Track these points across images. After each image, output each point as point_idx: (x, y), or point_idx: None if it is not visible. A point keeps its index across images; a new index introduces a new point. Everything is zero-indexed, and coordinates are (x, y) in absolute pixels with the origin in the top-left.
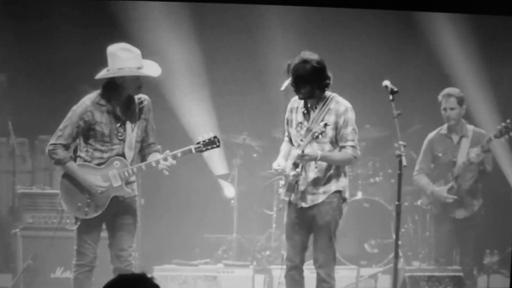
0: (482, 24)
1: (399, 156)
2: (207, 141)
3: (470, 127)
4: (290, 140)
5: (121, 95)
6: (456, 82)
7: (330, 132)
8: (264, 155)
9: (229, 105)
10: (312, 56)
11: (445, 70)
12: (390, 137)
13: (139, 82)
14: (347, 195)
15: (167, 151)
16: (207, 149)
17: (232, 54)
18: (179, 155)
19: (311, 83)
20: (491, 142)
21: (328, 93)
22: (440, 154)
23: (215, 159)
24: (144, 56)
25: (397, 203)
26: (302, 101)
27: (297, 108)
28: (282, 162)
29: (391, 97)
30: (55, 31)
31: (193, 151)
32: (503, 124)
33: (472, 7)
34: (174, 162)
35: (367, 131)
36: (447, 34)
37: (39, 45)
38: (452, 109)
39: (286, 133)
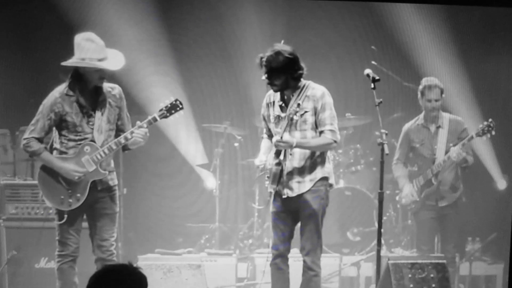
0: (461, 17)
1: (381, 144)
2: (169, 105)
3: (446, 115)
4: (269, 136)
5: (87, 85)
6: (436, 75)
7: (310, 118)
8: (245, 144)
9: (208, 94)
10: (284, 47)
11: (424, 60)
12: (371, 125)
13: (101, 74)
14: (332, 181)
15: (138, 122)
16: (171, 114)
17: (206, 45)
18: (144, 125)
19: (285, 74)
20: (473, 140)
21: (303, 81)
22: (417, 145)
23: (194, 149)
24: (115, 47)
25: (379, 191)
26: (278, 95)
27: (274, 102)
28: (263, 157)
29: (372, 85)
30: (34, 22)
31: (158, 118)
32: (485, 123)
33: None
34: (146, 130)
35: (348, 120)
36: (426, 26)
37: (20, 36)
38: (437, 100)
39: (265, 130)
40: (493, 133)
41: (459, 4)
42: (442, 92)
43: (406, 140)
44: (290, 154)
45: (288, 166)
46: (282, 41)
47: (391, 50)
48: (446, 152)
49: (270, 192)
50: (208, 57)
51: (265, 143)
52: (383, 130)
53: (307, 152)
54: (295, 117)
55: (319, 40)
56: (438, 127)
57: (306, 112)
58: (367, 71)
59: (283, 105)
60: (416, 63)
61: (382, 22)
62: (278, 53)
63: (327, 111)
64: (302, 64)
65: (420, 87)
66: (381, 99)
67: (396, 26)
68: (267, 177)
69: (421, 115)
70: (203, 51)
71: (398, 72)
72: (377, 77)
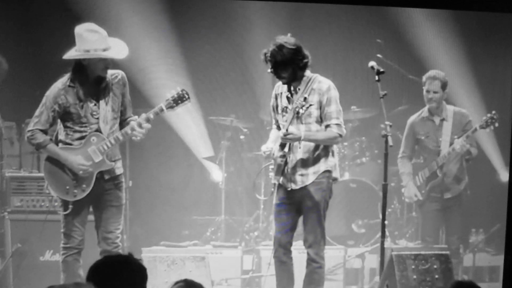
0: (469, 19)
1: (385, 136)
2: (176, 96)
3: (450, 108)
4: (278, 127)
5: (90, 76)
6: (441, 68)
7: (315, 111)
8: (251, 136)
9: (214, 87)
10: (286, 39)
11: (430, 54)
12: (376, 118)
13: (106, 63)
14: (337, 174)
15: (142, 114)
16: (178, 105)
17: (213, 37)
18: (151, 116)
19: (291, 65)
20: (476, 132)
21: (309, 74)
22: (422, 137)
23: (201, 141)
24: (121, 36)
25: (383, 183)
26: (286, 86)
27: (281, 93)
28: (271, 145)
29: (377, 77)
30: (39, 14)
31: (164, 108)
32: (489, 115)
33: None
34: (149, 126)
35: (353, 112)
36: (433, 27)
37: (24, 28)
38: (435, 92)
39: (274, 121)
40: (497, 125)
41: (462, 9)
42: (444, 85)
43: (411, 132)
44: (299, 148)
45: (292, 158)
46: (289, 34)
47: (397, 43)
48: (451, 144)
49: (274, 184)
50: (215, 49)
51: (273, 132)
52: (387, 122)
53: (311, 145)
54: (301, 111)
55: (325, 33)
56: (442, 120)
57: (311, 105)
58: (372, 63)
59: (289, 96)
60: (421, 56)
61: (388, 16)
62: (281, 46)
63: (333, 105)
64: (306, 52)
65: (423, 78)
66: (385, 92)
67: (402, 20)
68: (271, 168)
69: (426, 108)
70: (209, 43)
71: (403, 65)
72: (381, 69)
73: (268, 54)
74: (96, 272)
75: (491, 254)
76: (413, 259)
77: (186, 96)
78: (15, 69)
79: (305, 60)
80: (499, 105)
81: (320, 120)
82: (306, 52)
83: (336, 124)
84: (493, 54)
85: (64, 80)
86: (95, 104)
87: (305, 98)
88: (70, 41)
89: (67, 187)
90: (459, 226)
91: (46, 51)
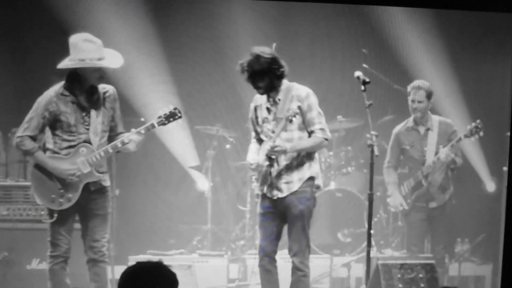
0: (452, 22)
1: (371, 146)
2: (168, 113)
3: (436, 118)
4: (258, 140)
5: (83, 85)
6: (426, 78)
7: (295, 119)
8: (237, 146)
9: (200, 97)
10: (262, 49)
11: (415, 64)
12: (362, 128)
13: (101, 73)
14: (319, 182)
15: (133, 129)
16: (169, 122)
17: (199, 47)
18: (142, 131)
19: (268, 74)
20: (461, 141)
21: (287, 83)
22: (407, 147)
23: (186, 151)
24: (108, 47)
25: (369, 192)
26: (265, 98)
27: (261, 105)
28: (255, 157)
29: (363, 87)
30: (25, 23)
31: (156, 125)
32: (473, 124)
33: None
34: (140, 137)
35: (339, 122)
36: (417, 30)
37: (11, 38)
38: (420, 102)
39: (253, 134)
40: (481, 134)
41: (450, 8)
42: (429, 95)
43: (396, 142)
44: (284, 155)
45: (277, 168)
46: (274, 44)
47: (382, 53)
48: (436, 153)
49: (257, 194)
50: (201, 59)
51: (253, 145)
52: (373, 132)
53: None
54: (294, 119)
55: (310, 43)
56: (427, 129)
57: (300, 107)
58: (357, 73)
59: (269, 106)
60: (406, 66)
61: (373, 25)
62: (257, 56)
63: (313, 110)
64: (283, 62)
65: (408, 88)
66: (371, 101)
67: (387, 29)
68: (255, 178)
69: (411, 118)
70: (196, 53)
71: (389, 75)
72: (367, 79)
73: (245, 64)
74: (128, 278)
75: (476, 264)
76: (399, 268)
77: (179, 114)
78: (1, 79)
79: (282, 70)
80: (488, 112)
81: (303, 126)
82: (283, 62)
83: (320, 129)
84: (479, 62)
85: (57, 88)
86: (86, 115)
87: (299, 106)
88: (57, 51)
89: (53, 196)
90: (444, 235)
91: (32, 61)
